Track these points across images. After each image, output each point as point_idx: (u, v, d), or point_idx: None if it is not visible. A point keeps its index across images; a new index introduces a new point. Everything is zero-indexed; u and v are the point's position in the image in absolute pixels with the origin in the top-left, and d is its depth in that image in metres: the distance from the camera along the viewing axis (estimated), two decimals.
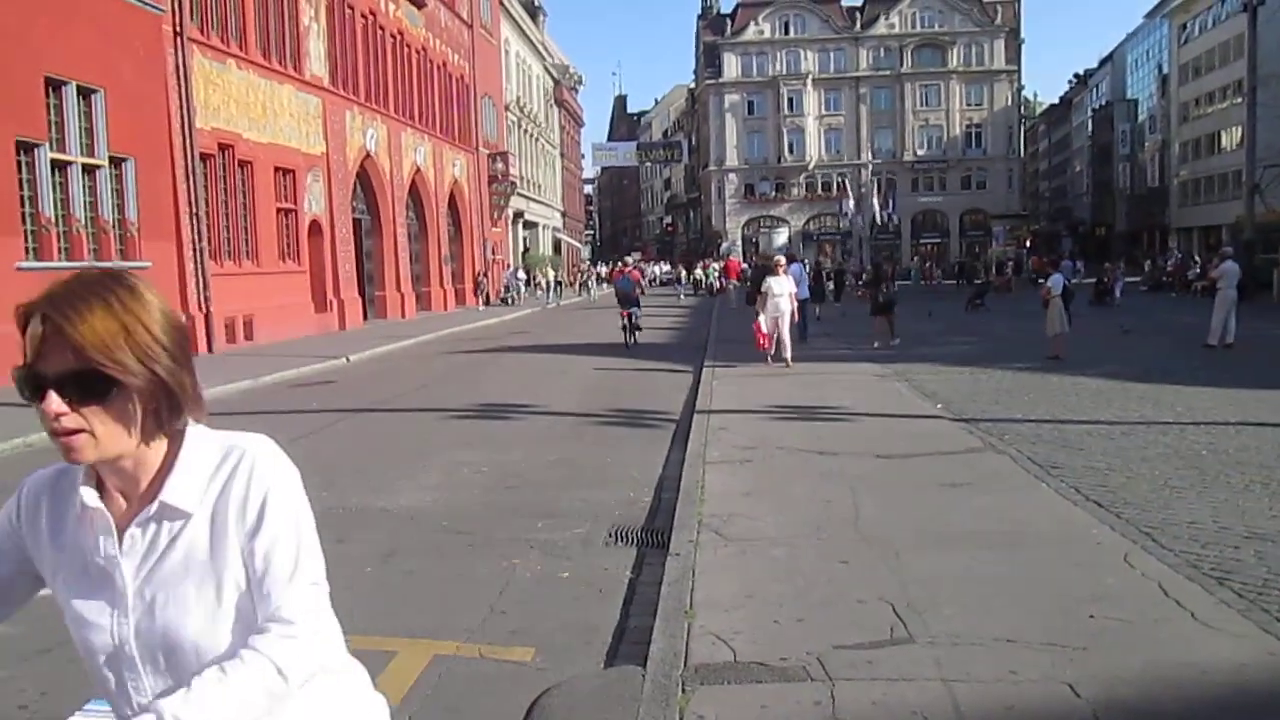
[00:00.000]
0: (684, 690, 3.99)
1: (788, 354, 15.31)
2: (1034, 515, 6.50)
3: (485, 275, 41.92)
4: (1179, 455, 8.33)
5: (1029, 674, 4.02)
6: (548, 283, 44.55)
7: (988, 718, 3.68)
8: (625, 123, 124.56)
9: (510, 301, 42.70)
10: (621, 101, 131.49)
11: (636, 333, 21.31)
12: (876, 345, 18.29)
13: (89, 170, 17.53)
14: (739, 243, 75.23)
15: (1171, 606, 4.77)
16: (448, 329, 27.62)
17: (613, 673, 4.39)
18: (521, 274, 46.84)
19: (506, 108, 50.05)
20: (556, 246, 65.92)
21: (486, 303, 40.47)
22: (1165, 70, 77.88)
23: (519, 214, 52.79)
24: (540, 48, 61.49)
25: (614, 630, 4.96)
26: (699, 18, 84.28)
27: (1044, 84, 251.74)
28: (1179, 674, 4.03)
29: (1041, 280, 16.69)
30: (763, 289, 15.76)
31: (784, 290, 15.57)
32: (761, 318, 15.55)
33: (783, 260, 16.80)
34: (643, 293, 24.76)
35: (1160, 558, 5.51)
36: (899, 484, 7.44)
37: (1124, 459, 8.23)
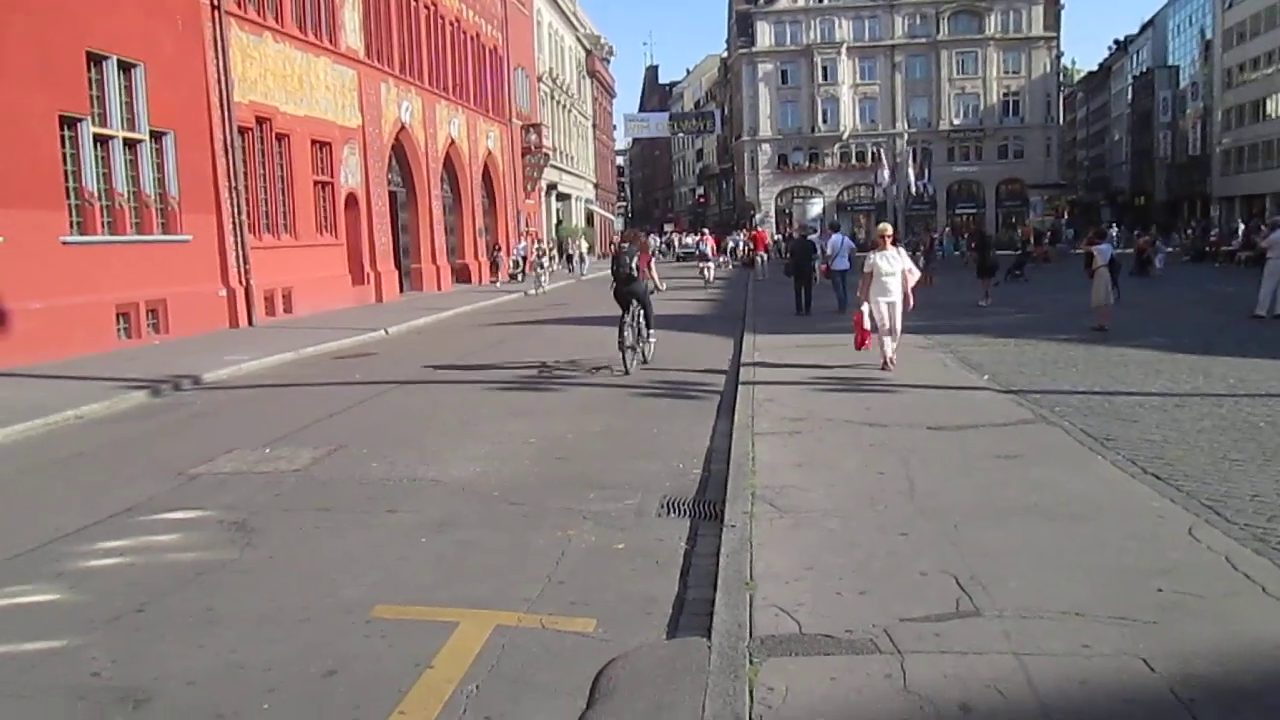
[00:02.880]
0: (751, 662, 3.97)
1: (892, 351, 11.87)
2: (1092, 488, 6.42)
3: (499, 248, 39.43)
4: (1235, 428, 8.19)
5: (1101, 648, 3.97)
6: (580, 254, 44.21)
7: (1063, 691, 3.63)
8: (657, 93, 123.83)
9: (520, 278, 37.49)
10: (653, 72, 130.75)
11: (708, 283, 28.05)
12: (985, 302, 21.03)
13: (130, 144, 17.65)
14: (772, 214, 74.75)
15: (1240, 580, 4.69)
16: (484, 301, 27.70)
17: (677, 644, 4.37)
18: (539, 246, 41.83)
19: (539, 79, 49.88)
20: (589, 218, 65.81)
21: (512, 276, 38.39)
22: (1209, 36, 76.35)
23: (552, 186, 52.73)
24: (572, 18, 61.17)
25: (673, 601, 4.94)
26: None
27: (1083, 50, 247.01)
28: (1255, 648, 3.96)
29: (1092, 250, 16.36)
30: (866, 267, 12.08)
31: (896, 269, 11.87)
32: (865, 308, 11.97)
33: (888, 229, 12.49)
34: (714, 255, 34.46)
35: (1225, 531, 5.42)
36: (952, 456, 7.36)
37: (1179, 431, 8.11)
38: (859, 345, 12.19)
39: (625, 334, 12.88)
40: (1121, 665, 3.83)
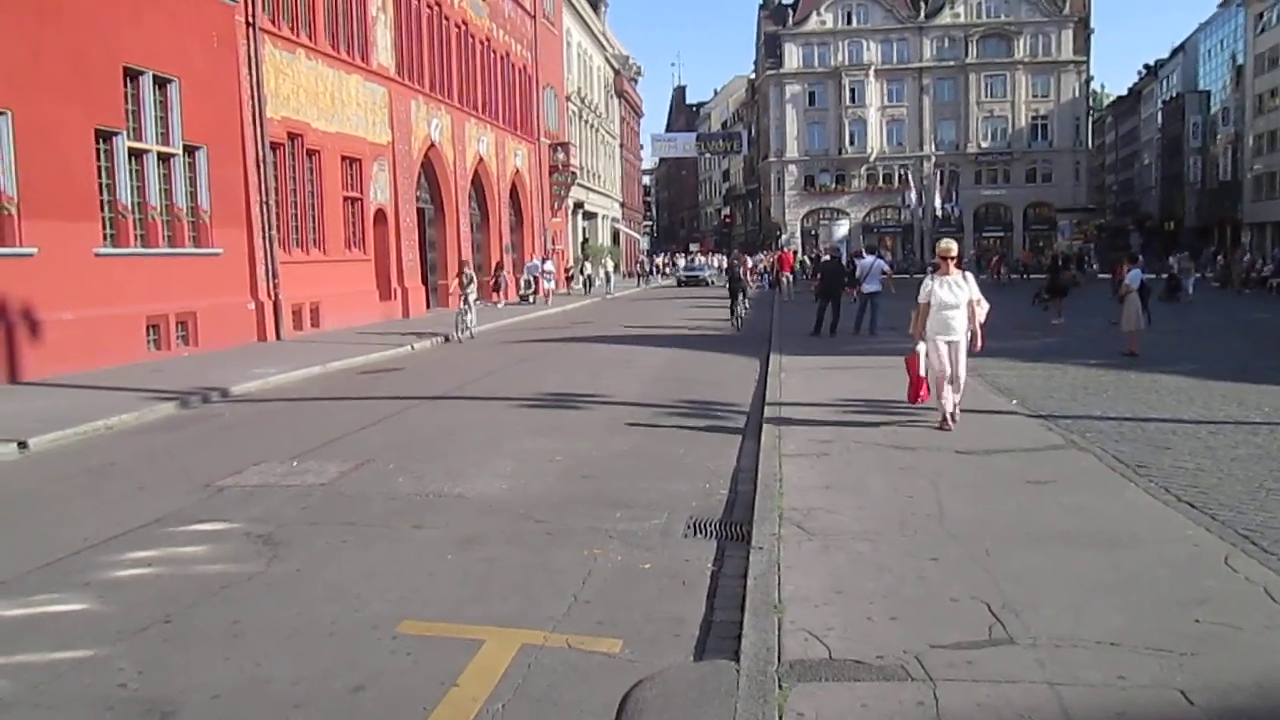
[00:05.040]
0: (780, 686, 3.92)
1: (953, 405, 9.40)
2: (1125, 515, 6.33)
3: (502, 268, 35.71)
4: (1271, 456, 8.06)
5: (1137, 679, 3.89)
6: (607, 274, 44.21)
7: None
8: (684, 114, 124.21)
9: (530, 299, 35.43)
10: (680, 92, 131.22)
11: (746, 297, 27.07)
12: (1056, 322, 22.13)
13: (164, 158, 17.83)
14: (798, 235, 74.68)
15: None
16: (511, 318, 27.77)
17: (705, 666, 4.33)
18: (549, 266, 37.83)
19: (567, 98, 50.11)
20: (615, 237, 65.94)
21: (522, 298, 35.83)
22: (1240, 61, 75.86)
23: (579, 204, 52.87)
24: (601, 38, 61.48)
25: (700, 623, 4.90)
26: (760, 8, 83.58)
27: (1112, 75, 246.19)
28: None
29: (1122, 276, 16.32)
30: (922, 297, 9.43)
31: (960, 300, 9.30)
32: (921, 349, 9.54)
33: (953, 247, 9.64)
34: (747, 274, 34.65)
35: (1263, 561, 5.33)
36: (982, 480, 7.29)
37: (1213, 459, 7.99)
38: (914, 397, 9.78)
39: (736, 311, 23.50)
40: (1159, 697, 3.76)
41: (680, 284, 53.27)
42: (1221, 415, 10.10)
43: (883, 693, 3.85)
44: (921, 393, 9.70)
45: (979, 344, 9.50)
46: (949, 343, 9.32)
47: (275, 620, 4.98)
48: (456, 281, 23.67)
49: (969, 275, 9.50)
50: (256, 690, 4.19)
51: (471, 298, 22.53)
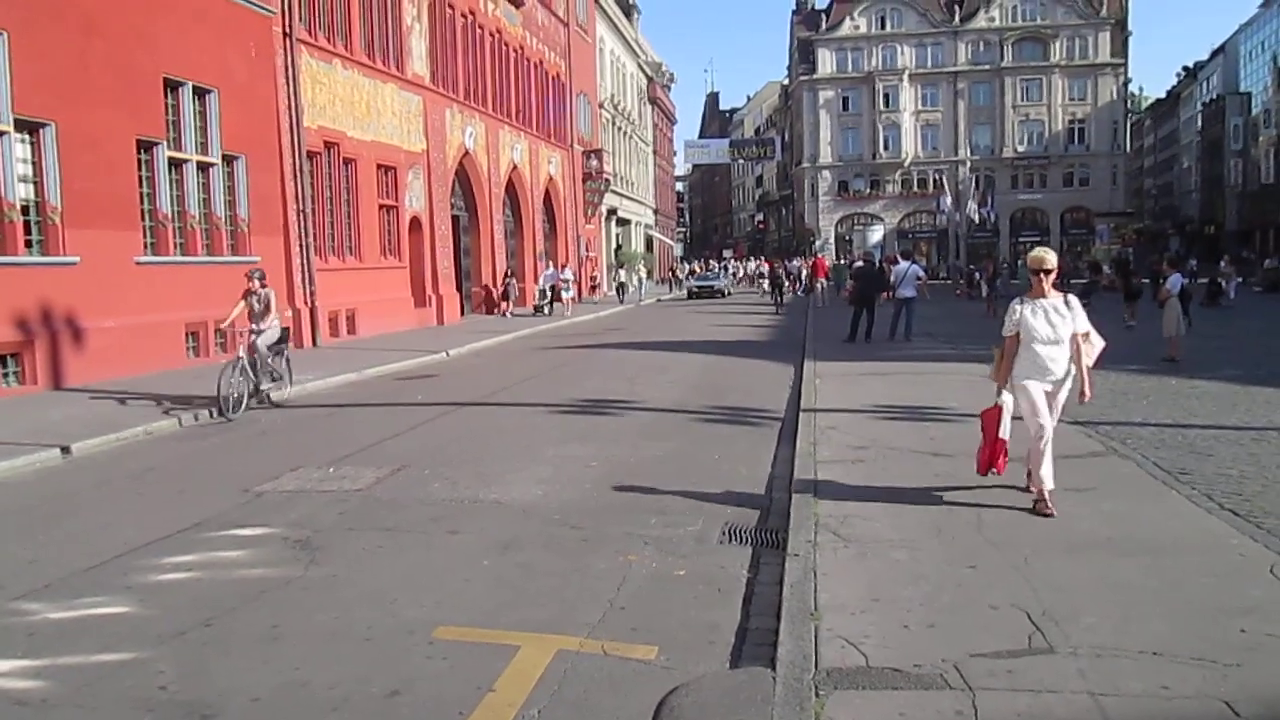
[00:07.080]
0: (817, 694, 3.90)
1: (1048, 481, 6.51)
2: (1167, 523, 6.25)
3: (512, 276, 33.54)
4: None
5: (1182, 689, 3.83)
6: (639, 280, 44.19)
7: None
8: (717, 120, 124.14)
9: (547, 311, 33.15)
10: (714, 98, 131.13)
11: (782, 294, 36.01)
12: (1131, 323, 21.75)
13: (203, 168, 18.06)
14: (832, 240, 74.41)
15: None
16: (544, 325, 27.87)
17: (741, 673, 4.31)
18: (568, 274, 35.18)
19: (601, 105, 50.26)
20: (649, 243, 65.98)
21: (537, 308, 33.76)
22: None
23: (612, 211, 52.98)
24: (634, 46, 61.61)
25: (736, 630, 4.88)
26: (793, 13, 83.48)
27: (1151, 78, 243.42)
28: None
29: (1161, 281, 16.11)
30: (1008, 329, 6.76)
31: (1062, 335, 6.56)
32: (1006, 399, 6.94)
33: (1048, 258, 6.61)
34: (786, 276, 40.17)
35: None
36: None
37: (1257, 466, 7.87)
38: (984, 466, 7.03)
39: (778, 298, 34.82)
40: (1204, 708, 3.70)
41: (691, 295, 46.80)
42: (1264, 421, 9.93)
43: (921, 701, 3.82)
44: (999, 460, 6.96)
45: (1088, 394, 6.89)
46: (1046, 391, 6.66)
47: (313, 625, 5.02)
48: (243, 305, 13.11)
49: (1073, 299, 6.72)
50: (295, 694, 4.23)
51: (268, 334, 12.97)
